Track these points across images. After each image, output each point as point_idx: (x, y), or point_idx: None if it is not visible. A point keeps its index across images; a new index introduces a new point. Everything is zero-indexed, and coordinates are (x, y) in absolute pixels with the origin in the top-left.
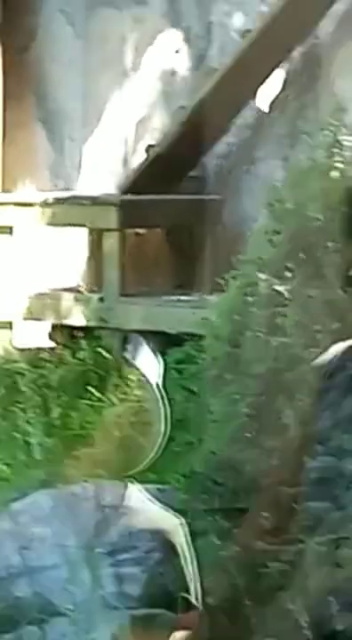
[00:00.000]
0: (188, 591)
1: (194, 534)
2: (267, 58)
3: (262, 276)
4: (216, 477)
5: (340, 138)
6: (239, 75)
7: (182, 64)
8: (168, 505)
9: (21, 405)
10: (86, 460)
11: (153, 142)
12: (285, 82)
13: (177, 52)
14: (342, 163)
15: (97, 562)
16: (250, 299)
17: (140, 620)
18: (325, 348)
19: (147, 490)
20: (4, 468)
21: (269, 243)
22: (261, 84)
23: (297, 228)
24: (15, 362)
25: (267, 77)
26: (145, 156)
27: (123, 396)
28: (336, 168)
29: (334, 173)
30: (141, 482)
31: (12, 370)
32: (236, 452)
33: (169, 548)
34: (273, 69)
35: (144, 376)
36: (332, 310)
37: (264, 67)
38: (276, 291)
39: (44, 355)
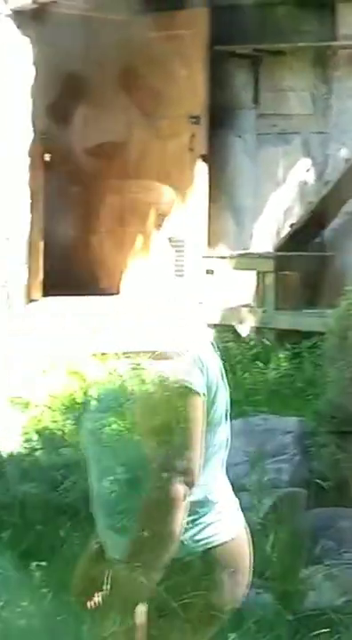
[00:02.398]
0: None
1: (321, 445)
2: None
3: None
4: (332, 413)
5: None
6: (344, 184)
7: (311, 178)
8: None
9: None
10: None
11: (294, 222)
12: None
13: (307, 170)
14: None
15: (264, 460)
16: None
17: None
18: None
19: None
20: None
21: None
22: None
23: None
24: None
25: None
26: (289, 230)
27: (275, 366)
28: None
29: None
30: (289, 416)
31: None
32: (342, 399)
33: (307, 456)
34: None
35: None
36: None
37: None
38: None
39: (233, 342)
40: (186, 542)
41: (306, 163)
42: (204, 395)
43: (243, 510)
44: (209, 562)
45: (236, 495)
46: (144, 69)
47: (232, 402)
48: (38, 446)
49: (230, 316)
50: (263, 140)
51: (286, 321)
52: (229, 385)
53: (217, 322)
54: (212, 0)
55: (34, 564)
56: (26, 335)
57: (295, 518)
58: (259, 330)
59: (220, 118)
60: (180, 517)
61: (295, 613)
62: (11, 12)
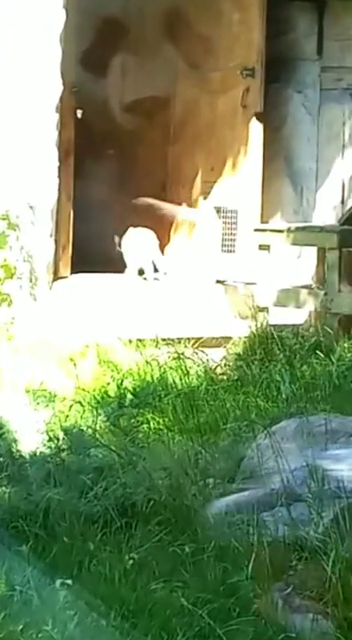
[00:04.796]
0: None
1: None
2: None
3: None
4: None
5: None
6: None
7: None
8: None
9: (274, 362)
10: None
11: None
12: None
13: None
14: None
15: (323, 466)
16: None
17: None
18: None
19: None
20: (263, 403)
21: None
22: None
23: None
24: (268, 336)
25: None
26: None
27: (339, 357)
28: None
29: None
30: (348, 413)
31: (267, 337)
32: None
33: None
34: None
35: None
36: None
37: None
38: None
39: (288, 329)
40: None
41: None
42: None
43: (300, 523)
44: None
45: (292, 505)
46: (191, 14)
47: (289, 398)
48: (64, 446)
49: (287, 297)
50: (327, 96)
51: (350, 304)
52: (286, 379)
53: (272, 304)
54: None
55: (58, 581)
56: (52, 318)
57: None
58: (319, 315)
59: (277, 71)
60: None
61: None
62: None
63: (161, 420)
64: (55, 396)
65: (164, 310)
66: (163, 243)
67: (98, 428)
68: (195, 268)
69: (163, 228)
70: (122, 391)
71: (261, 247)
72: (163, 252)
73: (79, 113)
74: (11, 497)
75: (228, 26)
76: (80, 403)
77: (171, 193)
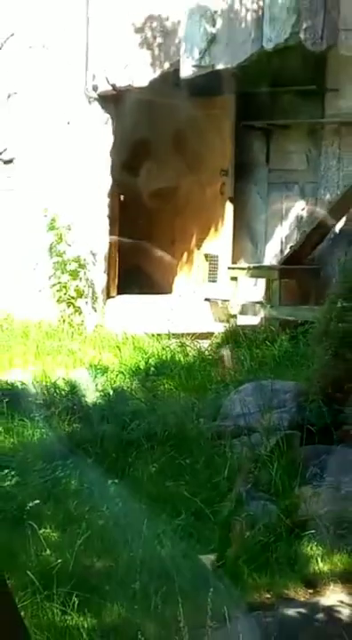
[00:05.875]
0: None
1: (310, 401)
2: (344, 206)
3: (337, 299)
4: (318, 379)
5: None
6: (327, 220)
7: (305, 214)
8: (299, 391)
9: (239, 347)
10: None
11: (293, 244)
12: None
13: (303, 209)
14: None
15: (271, 411)
16: (333, 307)
17: (288, 435)
18: None
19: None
20: (234, 373)
21: (341, 285)
22: (339, 219)
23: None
24: (236, 332)
25: (342, 215)
26: (289, 250)
27: (279, 345)
28: None
29: None
30: (288, 380)
31: (237, 333)
32: (325, 369)
33: (300, 408)
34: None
35: None
36: None
37: (342, 211)
38: (343, 306)
39: (248, 328)
40: None
41: (302, 204)
42: None
43: (255, 446)
44: None
45: (251, 434)
46: (190, 137)
47: (249, 370)
48: (113, 399)
49: (247, 308)
50: (272, 187)
51: (287, 313)
52: (247, 358)
53: (238, 313)
54: (238, 89)
55: (109, 481)
56: (105, 321)
57: (292, 452)
58: (267, 319)
59: (242, 172)
60: None
61: (291, 519)
62: (97, 96)
63: (172, 383)
64: (107, 368)
65: (173, 316)
66: (173, 275)
67: (133, 388)
68: (193, 291)
69: (173, 266)
70: (148, 366)
71: (232, 278)
72: (173, 281)
73: (122, 197)
74: (80, 430)
75: (212, 144)
76: (122, 373)
77: (177, 246)
